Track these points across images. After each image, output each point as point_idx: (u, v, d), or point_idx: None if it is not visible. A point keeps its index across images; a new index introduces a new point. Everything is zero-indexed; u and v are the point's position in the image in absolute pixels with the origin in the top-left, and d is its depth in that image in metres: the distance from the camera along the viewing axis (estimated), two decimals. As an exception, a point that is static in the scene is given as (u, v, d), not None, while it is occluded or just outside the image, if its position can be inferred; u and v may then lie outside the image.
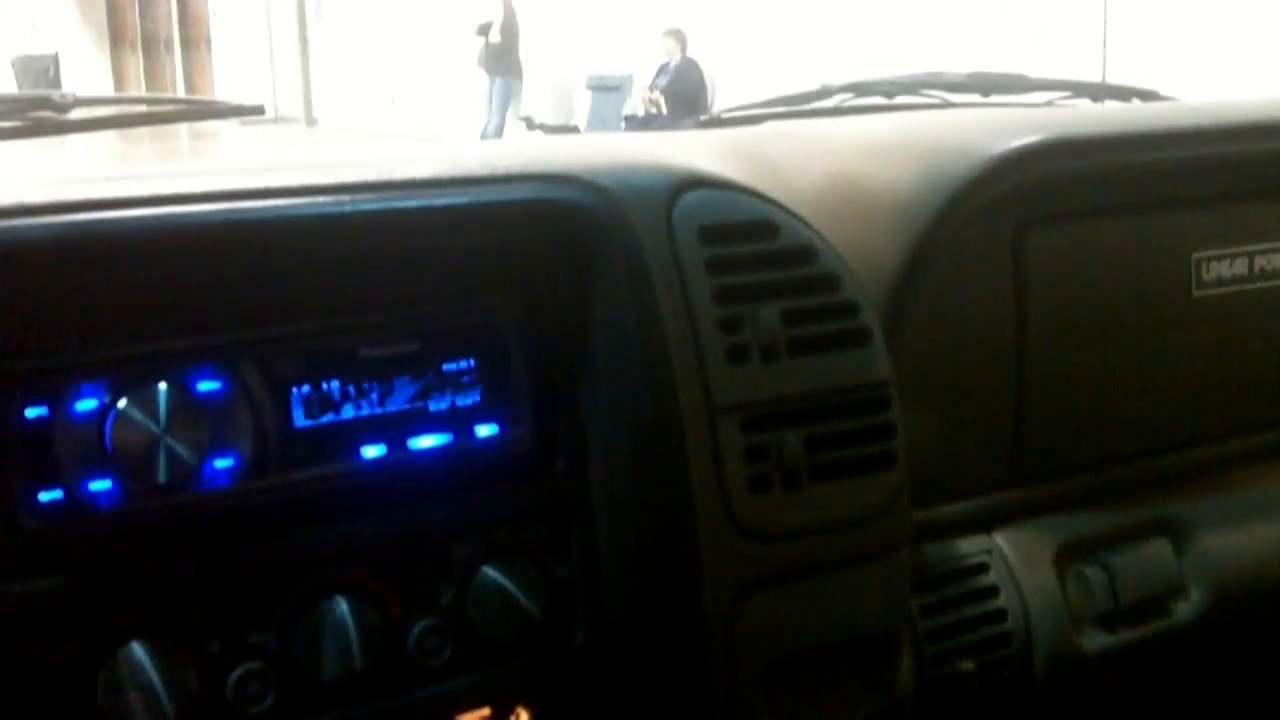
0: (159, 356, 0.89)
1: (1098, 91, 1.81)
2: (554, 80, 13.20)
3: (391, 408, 0.96)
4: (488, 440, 0.99)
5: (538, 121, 12.00)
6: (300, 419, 0.93)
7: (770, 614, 1.01)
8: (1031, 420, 1.25)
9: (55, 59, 18.83)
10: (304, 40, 17.82)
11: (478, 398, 0.99)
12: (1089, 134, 1.24)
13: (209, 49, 19.77)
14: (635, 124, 11.17)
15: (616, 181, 1.00)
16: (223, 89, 18.19)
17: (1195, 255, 1.30)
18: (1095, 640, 1.23)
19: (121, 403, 0.87)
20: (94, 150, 1.68)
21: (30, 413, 0.85)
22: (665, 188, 1.01)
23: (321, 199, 0.92)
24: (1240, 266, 1.32)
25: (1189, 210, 1.30)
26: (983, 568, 1.21)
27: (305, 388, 0.93)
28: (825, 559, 1.03)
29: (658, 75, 11.23)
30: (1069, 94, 1.77)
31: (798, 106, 1.67)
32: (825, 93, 1.71)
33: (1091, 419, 1.28)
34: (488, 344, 0.99)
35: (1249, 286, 1.32)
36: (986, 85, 1.73)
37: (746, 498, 0.98)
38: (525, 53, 13.18)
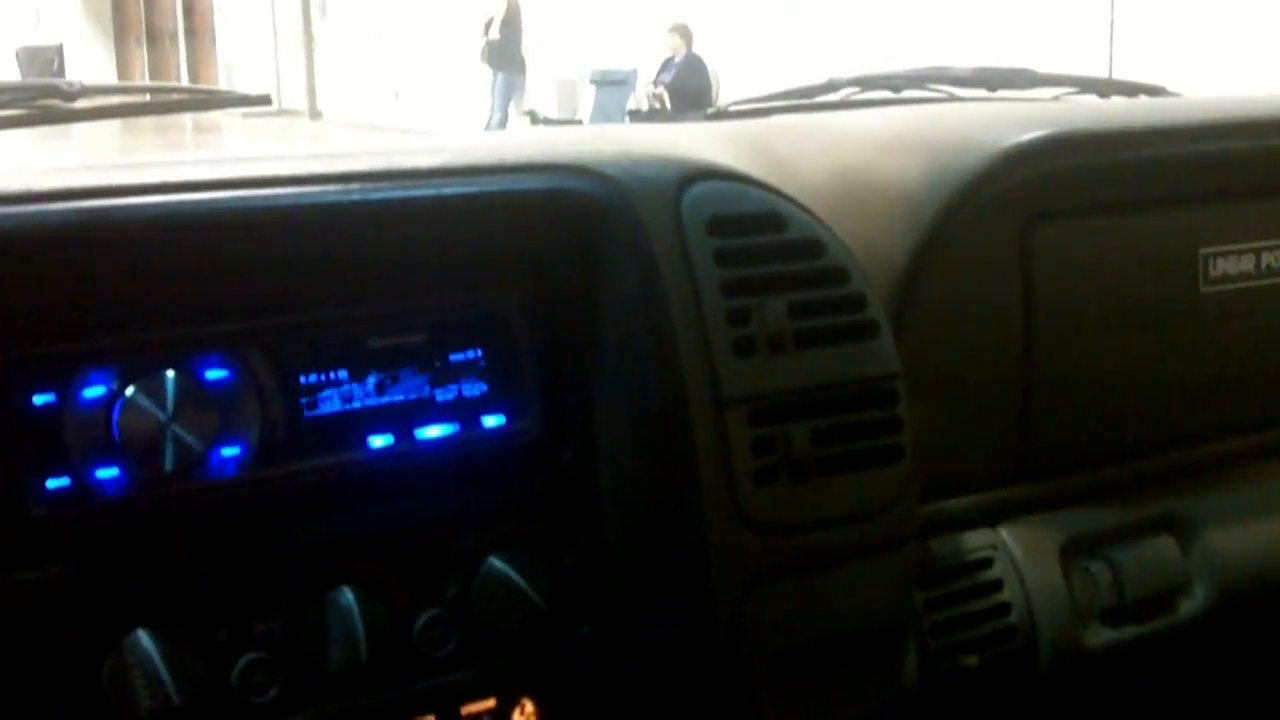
0: (167, 344, 0.89)
1: (1104, 87, 1.80)
2: (558, 75, 13.20)
3: (398, 398, 0.96)
4: (495, 431, 0.99)
5: (541, 116, 11.99)
6: (307, 408, 0.93)
7: (776, 606, 1.01)
8: (1038, 415, 1.25)
9: (60, 50, 18.83)
10: (308, 34, 17.80)
11: (485, 388, 0.99)
12: (1096, 129, 1.24)
13: (213, 42, 19.77)
14: (639, 119, 11.14)
15: (625, 172, 1.00)
16: (226, 83, 18.17)
17: (1202, 251, 1.29)
18: (1100, 636, 1.23)
19: (129, 390, 0.86)
20: (101, 139, 1.68)
21: (38, 400, 0.85)
22: (674, 179, 1.01)
23: (330, 188, 0.92)
24: (1247, 263, 1.32)
25: (1196, 206, 1.30)
26: (987, 562, 1.20)
27: (313, 377, 0.93)
28: (831, 552, 1.03)
29: (662, 70, 11.23)
30: (1075, 89, 1.77)
31: (804, 100, 1.67)
32: (832, 86, 1.70)
33: (1098, 414, 1.28)
34: (495, 334, 0.99)
35: (1256, 283, 1.32)
36: (993, 80, 1.72)
37: (753, 490, 0.98)
38: (529, 47, 13.19)
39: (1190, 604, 1.28)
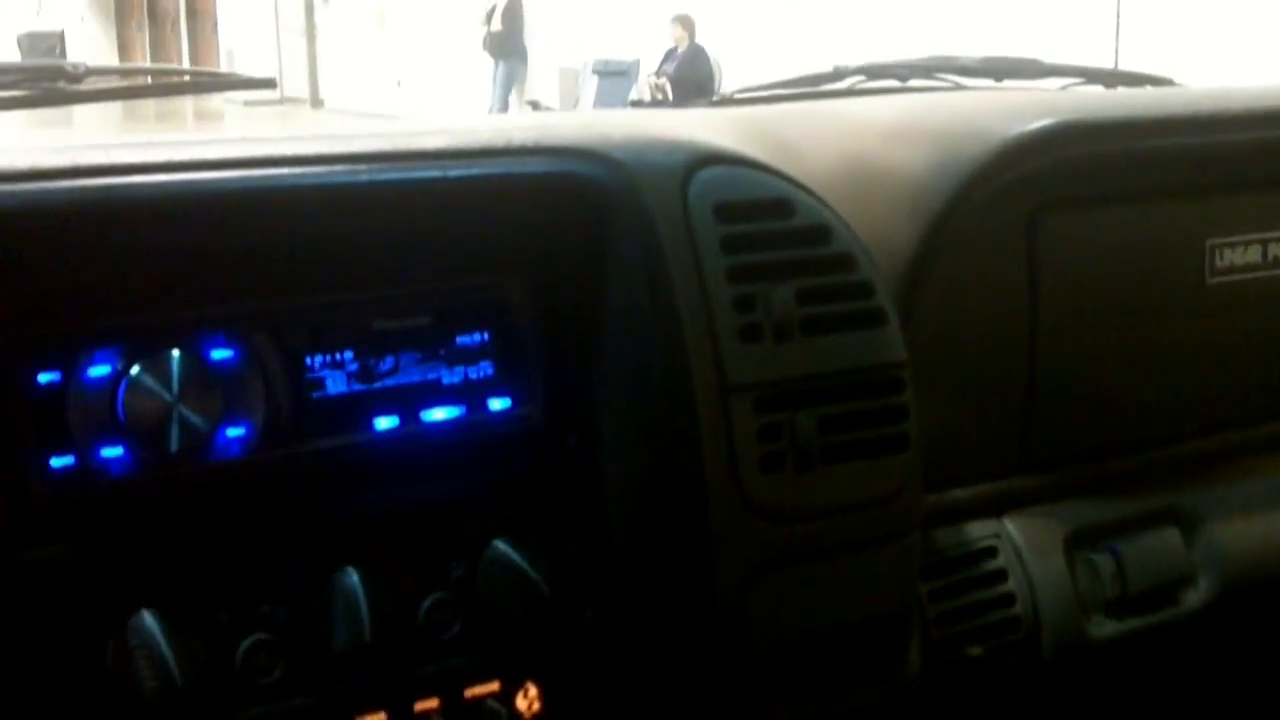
0: (172, 324, 0.89)
1: (1111, 78, 1.80)
2: (560, 65, 13.19)
3: (404, 380, 0.95)
4: (500, 414, 0.99)
5: (544, 106, 11.98)
6: (313, 390, 0.93)
7: (780, 594, 1.00)
8: (1043, 406, 1.24)
9: (61, 36, 18.83)
10: (310, 22, 17.79)
11: (490, 371, 0.99)
12: (1103, 119, 1.23)
13: (215, 28, 19.75)
14: (642, 109, 11.14)
15: (632, 156, 0.99)
16: (228, 69, 18.16)
17: (1209, 242, 1.29)
18: (1103, 627, 1.23)
19: (134, 370, 0.86)
20: (105, 122, 1.67)
21: (43, 378, 0.85)
22: (681, 163, 1.01)
23: (336, 168, 0.91)
24: (1254, 254, 1.31)
25: (1203, 197, 1.30)
26: (992, 553, 1.20)
27: (318, 358, 0.93)
28: (836, 540, 1.02)
29: (664, 61, 11.21)
30: (1082, 80, 1.76)
31: (810, 89, 1.66)
32: (838, 75, 1.70)
33: (1103, 405, 1.28)
34: (501, 317, 0.99)
35: (1262, 274, 1.32)
36: (999, 70, 1.72)
37: (758, 478, 0.98)
38: (532, 37, 13.18)
39: (1194, 596, 1.28)
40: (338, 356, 0.93)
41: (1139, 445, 1.32)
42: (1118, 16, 8.18)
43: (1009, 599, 1.19)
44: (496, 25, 12.99)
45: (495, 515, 0.97)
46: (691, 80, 10.81)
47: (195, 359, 0.88)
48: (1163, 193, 1.28)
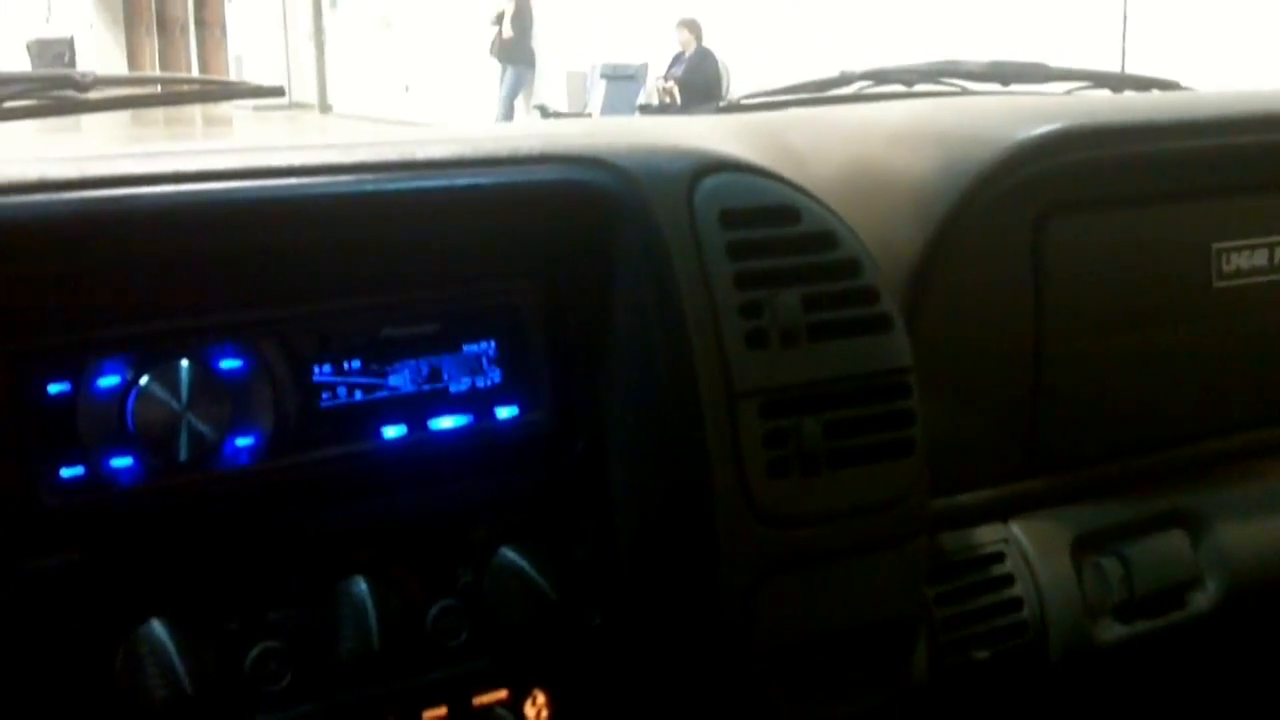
0: (181, 334, 0.89)
1: (1117, 82, 1.80)
2: (568, 69, 13.19)
3: (412, 388, 0.96)
4: (507, 422, 0.99)
5: (551, 110, 11.98)
6: (321, 398, 0.93)
7: (786, 598, 1.01)
8: (1049, 410, 1.24)
9: (70, 43, 18.88)
10: (319, 27, 17.81)
11: (498, 379, 0.99)
12: (1109, 123, 1.24)
13: (223, 32, 19.78)
14: (650, 113, 11.13)
15: (638, 164, 1.00)
16: (236, 75, 18.19)
17: (1215, 246, 1.29)
18: (1110, 631, 1.23)
19: (144, 380, 0.87)
20: (114, 130, 1.68)
21: (52, 389, 0.85)
22: (686, 171, 1.01)
23: (344, 178, 0.92)
24: (1260, 258, 1.31)
25: (1209, 201, 1.30)
26: (998, 557, 1.20)
27: (326, 367, 0.93)
28: (842, 545, 1.02)
29: (672, 65, 11.22)
30: (1088, 84, 1.76)
31: (817, 94, 1.67)
32: (844, 80, 1.70)
33: (1109, 409, 1.28)
34: (508, 325, 0.99)
35: (1269, 278, 1.32)
36: (1006, 74, 1.72)
37: (765, 483, 0.98)
38: (540, 41, 13.18)
39: (1201, 599, 1.28)
40: (345, 365, 0.94)
41: (1145, 448, 1.32)
42: (1124, 20, 8.17)
43: (1016, 603, 1.19)
44: (506, 31, 13.00)
45: (502, 522, 0.97)
46: (699, 84, 10.82)
47: (204, 368, 0.89)
48: (1169, 197, 1.28)
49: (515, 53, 13.21)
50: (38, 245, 0.83)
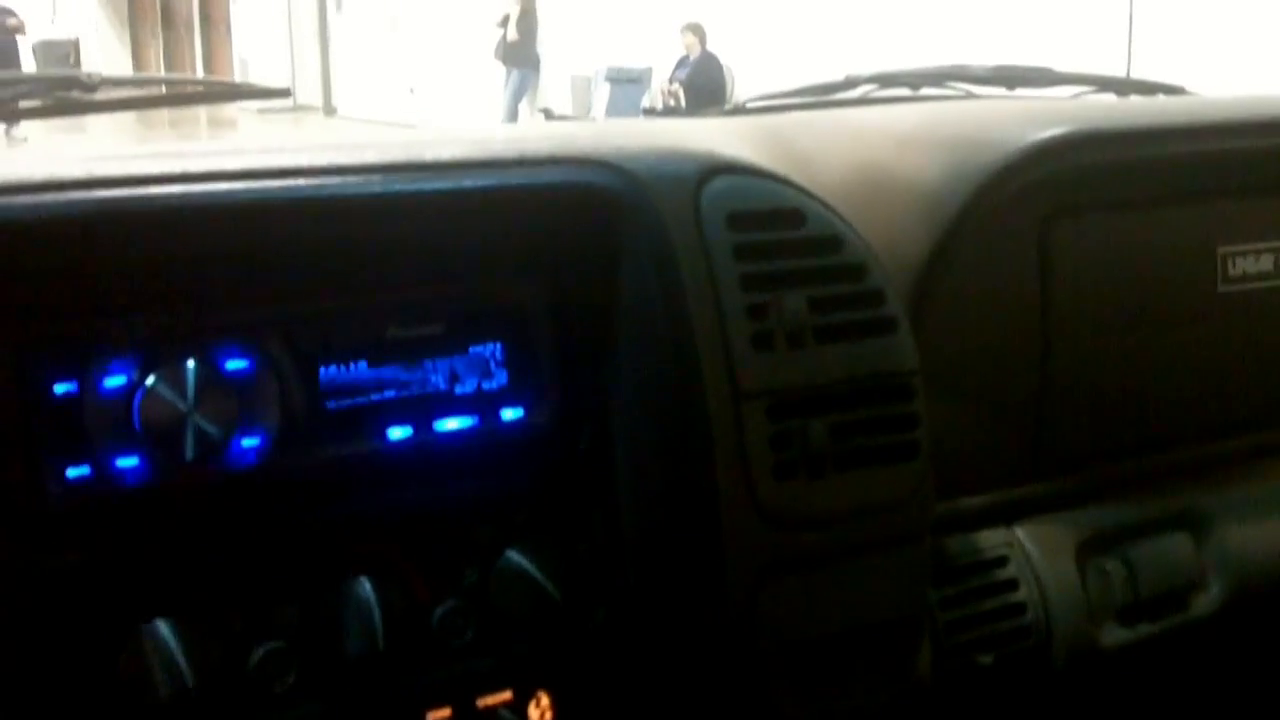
0: (188, 334, 0.89)
1: (1123, 86, 1.80)
2: (573, 72, 13.20)
3: (418, 389, 0.96)
4: (513, 423, 0.99)
5: (556, 113, 11.99)
6: (327, 398, 0.93)
7: (791, 599, 1.01)
8: (1054, 413, 1.24)
9: (75, 44, 18.90)
10: (324, 29, 17.83)
11: (504, 379, 0.99)
12: (1115, 127, 1.24)
13: (228, 31, 19.80)
14: (654, 117, 11.14)
15: (644, 166, 1.00)
16: (241, 77, 18.21)
17: (1220, 250, 1.29)
18: (1114, 634, 1.23)
19: (150, 379, 0.87)
20: (120, 131, 1.68)
21: (59, 388, 0.85)
22: (693, 173, 1.01)
23: (350, 179, 0.92)
24: (1266, 262, 1.32)
25: (1214, 205, 1.30)
26: (1003, 560, 1.20)
27: (332, 367, 0.93)
28: (846, 546, 1.03)
29: (677, 68, 11.23)
30: (1094, 88, 1.76)
31: (823, 97, 1.67)
32: (850, 84, 1.70)
33: (1114, 412, 1.28)
34: (514, 326, 0.99)
35: (1274, 282, 1.32)
36: (1011, 78, 1.72)
37: (770, 484, 0.98)
38: (544, 44, 13.19)
39: (1205, 601, 1.28)
40: (351, 365, 0.94)
41: (1149, 451, 1.32)
42: (1130, 25, 8.17)
43: (1020, 608, 1.19)
44: (511, 34, 13.01)
45: (508, 521, 0.98)
46: (704, 87, 10.82)
47: (210, 368, 0.89)
48: (1174, 200, 1.28)
49: (520, 56, 13.21)
50: (46, 245, 0.83)
